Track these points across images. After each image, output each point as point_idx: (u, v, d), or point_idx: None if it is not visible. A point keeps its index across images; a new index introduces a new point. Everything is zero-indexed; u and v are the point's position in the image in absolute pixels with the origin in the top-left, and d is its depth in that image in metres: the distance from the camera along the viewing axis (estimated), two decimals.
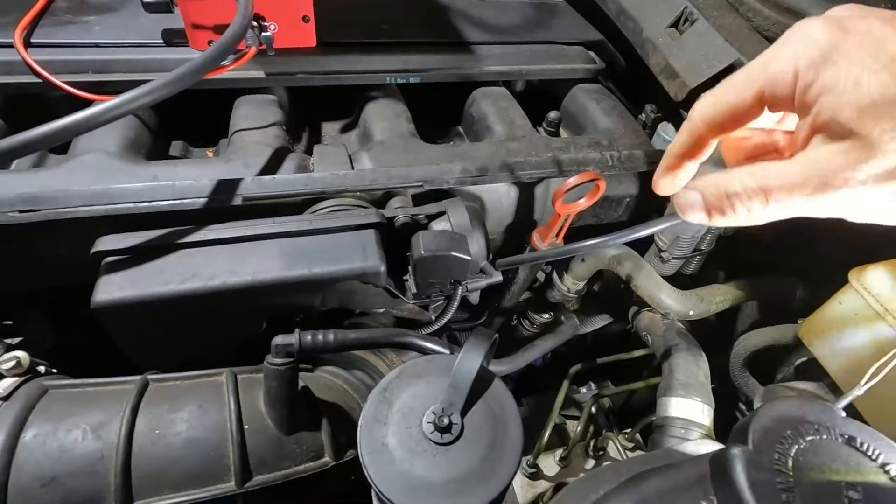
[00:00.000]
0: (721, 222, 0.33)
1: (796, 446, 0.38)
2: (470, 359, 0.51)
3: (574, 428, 0.92)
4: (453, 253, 0.65)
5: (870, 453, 0.38)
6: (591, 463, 0.90)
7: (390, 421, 0.50)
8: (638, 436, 0.93)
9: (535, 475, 0.88)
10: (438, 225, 0.73)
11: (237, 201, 0.68)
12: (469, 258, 0.66)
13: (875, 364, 0.55)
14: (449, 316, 0.76)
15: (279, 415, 0.54)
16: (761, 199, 0.31)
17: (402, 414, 0.51)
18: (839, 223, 0.33)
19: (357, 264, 0.64)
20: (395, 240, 0.71)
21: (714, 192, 0.33)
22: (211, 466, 0.49)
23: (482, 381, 0.53)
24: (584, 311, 1.12)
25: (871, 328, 0.59)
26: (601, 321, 1.10)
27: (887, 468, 0.37)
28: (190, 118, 0.90)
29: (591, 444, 0.90)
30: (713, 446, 0.53)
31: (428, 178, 0.75)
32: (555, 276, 0.96)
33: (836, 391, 0.70)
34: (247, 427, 0.52)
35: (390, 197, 0.76)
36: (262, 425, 0.53)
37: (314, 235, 0.67)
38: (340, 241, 0.67)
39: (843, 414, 0.40)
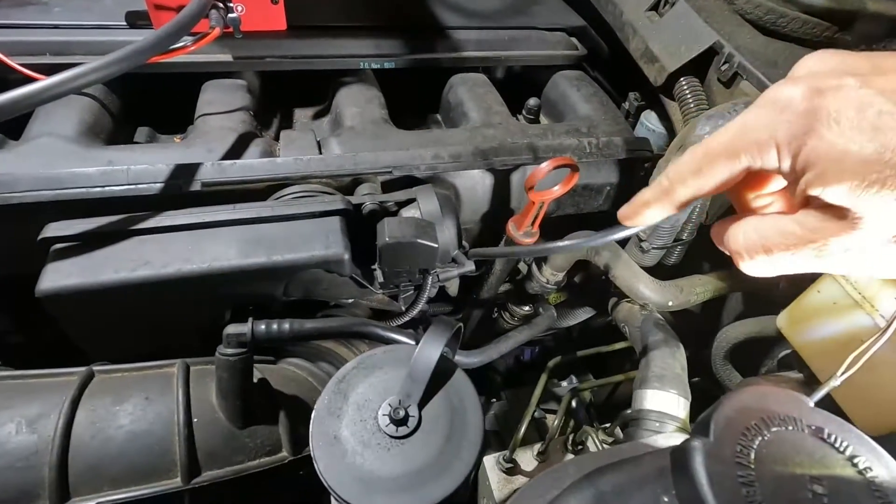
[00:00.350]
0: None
1: (760, 438, 0.35)
2: (429, 349, 0.49)
3: (553, 422, 0.90)
4: (419, 240, 0.62)
5: (837, 445, 0.36)
6: (569, 457, 0.88)
7: (344, 413, 0.48)
8: (618, 430, 0.91)
9: (512, 470, 0.85)
10: (408, 212, 0.70)
11: (196, 187, 0.65)
12: (436, 246, 0.64)
13: (852, 353, 0.53)
14: (420, 306, 0.73)
15: (231, 407, 0.51)
16: (764, 255, 0.31)
17: (358, 406, 0.49)
18: None
19: (319, 252, 0.62)
20: (362, 228, 0.68)
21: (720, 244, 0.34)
22: (155, 461, 0.47)
23: (442, 372, 0.51)
24: (567, 304, 1.10)
25: (849, 317, 0.57)
26: (584, 314, 1.07)
27: (855, 461, 0.35)
28: (157, 103, 0.87)
29: (571, 438, 0.88)
30: (681, 440, 0.51)
31: (397, 164, 0.72)
32: (533, 266, 0.94)
33: (816, 382, 0.68)
34: (196, 420, 0.50)
35: (358, 184, 0.73)
36: (213, 418, 0.51)
37: (276, 222, 0.64)
38: (303, 228, 0.64)
39: (811, 404, 0.38)
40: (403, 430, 0.46)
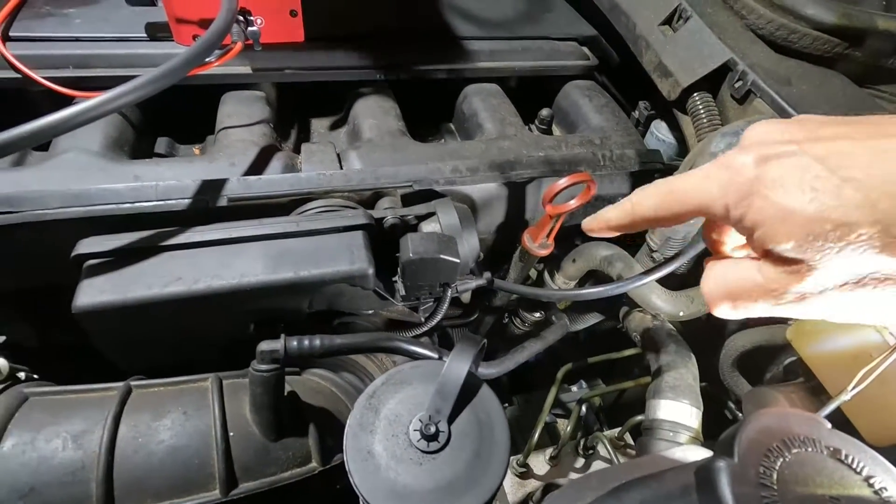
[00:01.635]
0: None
1: (781, 459, 0.37)
2: (457, 366, 0.51)
3: (564, 427, 0.92)
4: (442, 256, 0.64)
5: (854, 466, 0.38)
6: (581, 462, 0.90)
7: (377, 428, 0.50)
8: (627, 435, 0.94)
9: (525, 474, 0.88)
10: (428, 226, 0.72)
11: (222, 202, 0.67)
12: (458, 261, 0.65)
13: (862, 369, 0.56)
14: (439, 318, 0.75)
15: (265, 421, 0.53)
16: (729, 304, 0.34)
17: (389, 421, 0.51)
18: None
19: (344, 267, 0.64)
20: (383, 241, 0.70)
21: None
22: (195, 475, 0.49)
23: (469, 388, 0.53)
24: (575, 309, 1.12)
25: (859, 333, 0.59)
26: (593, 319, 1.09)
27: (871, 481, 0.37)
28: (175, 114, 0.88)
29: (581, 443, 0.90)
30: (700, 453, 0.53)
31: (417, 178, 0.74)
32: (546, 275, 0.95)
33: (823, 393, 0.70)
34: (231, 434, 0.51)
35: (379, 197, 0.75)
36: (248, 432, 0.53)
37: (301, 237, 0.66)
38: (328, 243, 0.66)
39: (829, 425, 0.40)
40: (434, 446, 0.48)
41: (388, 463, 0.47)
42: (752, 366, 0.95)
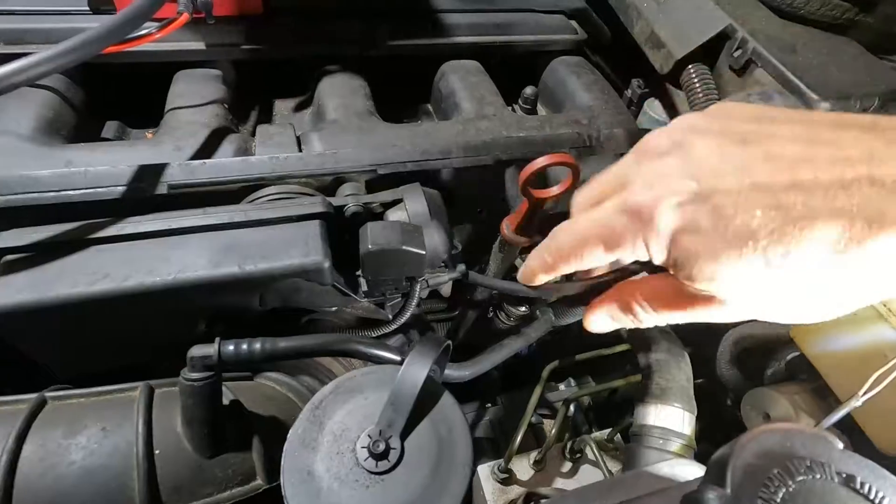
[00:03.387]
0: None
1: (784, 489, 0.31)
2: (414, 371, 0.44)
3: (551, 428, 0.86)
4: (405, 247, 0.57)
5: (871, 496, 0.32)
6: (567, 466, 0.84)
7: (320, 445, 0.44)
8: (618, 436, 0.88)
9: (508, 480, 0.82)
10: (394, 214, 0.65)
11: (162, 190, 0.60)
12: (424, 252, 0.59)
13: (875, 372, 0.49)
14: (408, 314, 0.69)
15: (198, 436, 0.47)
16: (649, 313, 0.36)
17: (334, 437, 0.44)
18: None
19: (297, 260, 0.57)
20: (345, 231, 0.63)
21: (619, 305, 0.38)
22: (113, 500, 0.43)
23: (428, 397, 0.46)
24: (565, 302, 1.05)
25: (872, 330, 0.52)
26: (583, 313, 1.03)
27: None
28: (127, 96, 0.81)
29: (569, 446, 0.84)
30: (690, 470, 0.47)
31: (383, 161, 0.67)
32: None
33: (831, 395, 0.64)
34: (158, 451, 0.45)
35: (341, 183, 0.68)
36: (178, 448, 0.47)
37: (250, 228, 0.59)
38: (279, 234, 0.59)
39: (841, 445, 0.33)
40: (384, 465, 0.42)
41: (331, 485, 0.41)
42: (752, 362, 0.88)
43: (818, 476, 0.32)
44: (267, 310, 0.75)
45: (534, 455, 0.84)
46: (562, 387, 1.02)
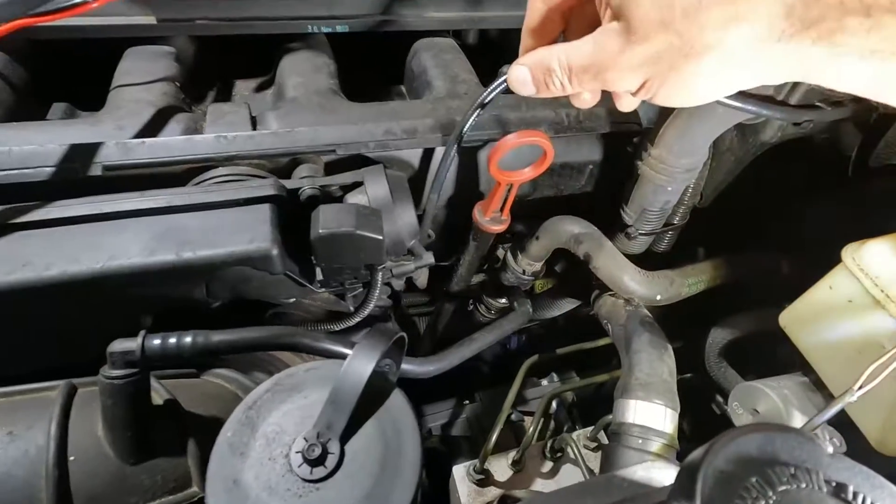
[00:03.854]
0: (546, 95, 0.39)
1: (763, 501, 0.27)
2: (358, 367, 0.40)
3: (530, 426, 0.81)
4: (360, 231, 0.53)
5: None
6: (548, 466, 0.80)
7: (250, 450, 0.39)
8: (602, 433, 0.83)
9: (484, 481, 0.77)
10: (354, 198, 0.61)
11: (96, 171, 0.55)
12: (381, 238, 0.54)
13: (872, 364, 0.44)
14: (371, 306, 0.64)
15: (120, 440, 0.42)
16: (569, 76, 0.36)
17: (267, 440, 0.40)
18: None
19: (241, 247, 0.52)
20: (300, 216, 0.59)
21: (539, 69, 0.38)
22: None
23: (375, 395, 0.42)
24: (551, 293, 1.01)
25: (868, 319, 0.48)
26: (569, 304, 0.98)
27: None
28: (75, 75, 0.76)
29: (549, 444, 0.80)
30: (667, 471, 0.43)
31: (342, 140, 0.62)
32: (508, 256, 0.84)
33: (823, 388, 0.59)
34: (73, 458, 0.41)
35: (297, 165, 0.63)
36: (98, 454, 0.42)
37: (192, 212, 0.54)
38: (224, 218, 0.54)
39: (830, 449, 0.29)
40: (320, 472, 0.37)
41: (259, 495, 0.37)
42: (741, 355, 0.84)
43: (804, 485, 0.27)
44: (218, 303, 0.71)
45: (512, 455, 0.79)
46: (544, 382, 0.98)
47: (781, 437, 0.29)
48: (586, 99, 0.43)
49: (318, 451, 0.37)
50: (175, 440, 0.46)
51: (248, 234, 0.53)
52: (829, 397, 0.58)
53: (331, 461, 0.38)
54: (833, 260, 0.54)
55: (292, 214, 0.58)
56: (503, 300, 0.92)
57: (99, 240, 0.51)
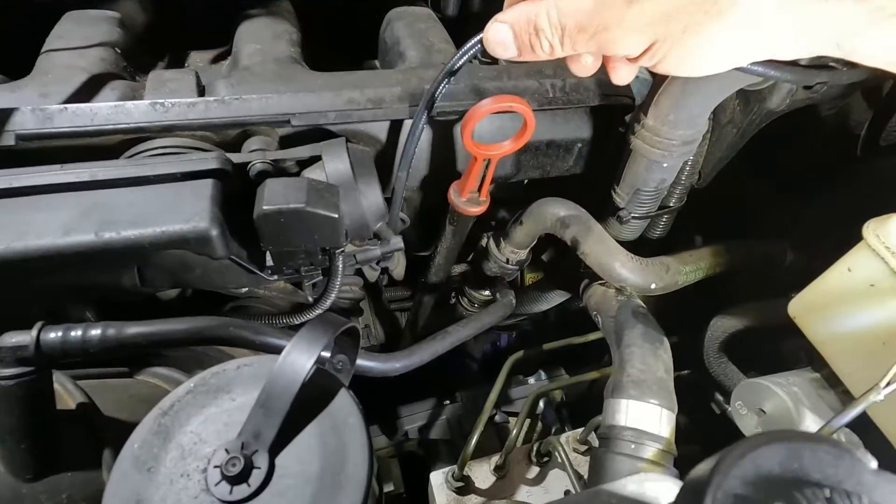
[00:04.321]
0: (531, 59, 0.35)
1: None
2: (293, 364, 0.33)
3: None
4: (310, 208, 0.46)
5: None
6: (534, 471, 0.73)
7: (159, 465, 0.32)
8: (593, 435, 0.77)
9: (464, 489, 0.71)
10: (311, 174, 0.54)
11: (8, 141, 0.48)
12: (336, 216, 0.47)
13: None
14: (333, 295, 0.57)
15: (12, 451, 0.36)
16: (560, 36, 0.32)
17: (182, 453, 0.33)
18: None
19: (175, 226, 0.45)
20: (250, 194, 0.52)
21: (523, 26, 0.33)
22: None
23: (316, 397, 0.35)
24: (540, 286, 0.95)
25: (894, 304, 0.41)
26: (559, 297, 0.92)
27: None
28: (12, 44, 0.68)
29: (536, 448, 0.73)
30: (663, 484, 0.36)
31: (297, 110, 0.55)
32: (491, 243, 0.78)
33: (837, 385, 0.53)
34: None
35: (248, 137, 0.56)
36: None
37: (121, 188, 0.47)
38: (159, 194, 0.47)
39: (874, 465, 0.22)
40: (241, 492, 0.31)
41: None
42: (744, 350, 0.78)
43: None
44: (175, 294, 0.64)
45: (495, 460, 0.73)
46: (531, 380, 0.91)
47: (811, 448, 0.22)
48: (587, 64, 0.37)
49: (240, 466, 0.31)
50: (87, 451, 0.39)
51: (184, 212, 0.46)
52: (844, 395, 0.51)
53: (256, 477, 0.31)
54: (843, 245, 0.48)
55: (241, 192, 0.51)
56: (486, 292, 0.85)
57: (7, 218, 0.44)
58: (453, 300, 0.94)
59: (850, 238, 0.48)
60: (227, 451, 0.32)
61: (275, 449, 0.32)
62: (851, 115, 0.76)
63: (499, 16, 0.35)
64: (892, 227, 0.41)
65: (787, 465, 0.22)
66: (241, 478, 0.31)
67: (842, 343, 0.47)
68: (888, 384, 0.38)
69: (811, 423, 0.50)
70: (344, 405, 0.35)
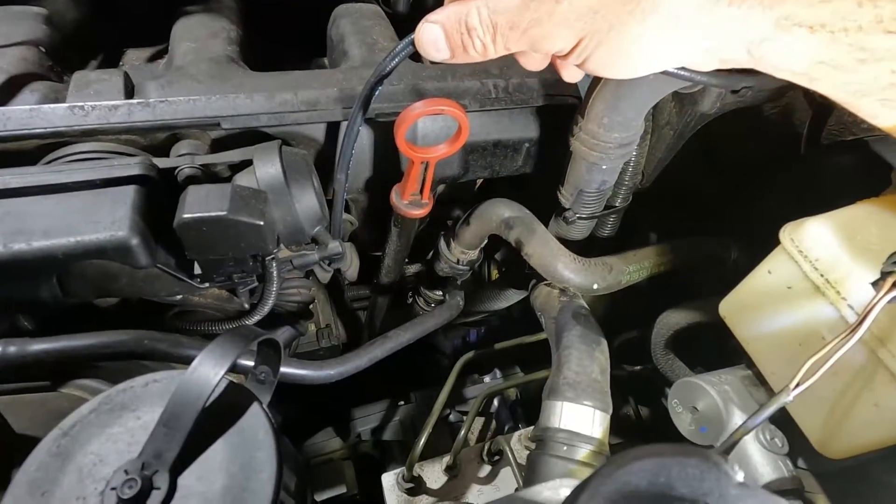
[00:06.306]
0: (464, 60, 0.34)
1: None
2: (199, 378, 0.32)
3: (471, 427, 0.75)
4: (233, 216, 0.45)
5: None
6: (486, 470, 0.74)
7: (55, 488, 0.31)
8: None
9: (416, 489, 0.71)
10: (242, 179, 0.52)
11: None
12: (260, 224, 0.46)
13: (810, 358, 0.39)
14: (270, 301, 0.56)
15: None
16: (492, 34, 0.31)
17: (81, 475, 0.32)
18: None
19: (91, 236, 0.44)
20: (176, 201, 0.50)
21: (455, 26, 0.32)
22: None
23: (224, 413, 0.35)
24: (496, 284, 0.95)
25: (808, 307, 0.42)
26: (516, 295, 0.92)
27: None
28: None
29: (487, 447, 0.74)
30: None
31: (228, 112, 0.54)
32: (441, 243, 0.77)
33: (766, 382, 0.55)
34: None
35: (177, 141, 0.54)
36: None
37: (35, 196, 0.46)
38: (75, 203, 0.46)
39: (740, 477, 0.23)
40: None
41: None
42: (692, 347, 0.79)
43: None
44: (113, 303, 0.62)
45: (446, 459, 0.73)
46: (487, 379, 0.92)
47: (679, 463, 0.23)
48: (535, 58, 0.37)
49: (136, 487, 0.30)
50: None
51: (102, 220, 0.45)
52: (773, 392, 0.53)
53: (154, 499, 0.30)
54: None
55: (168, 199, 0.50)
56: (440, 292, 0.85)
57: None
58: (410, 300, 0.94)
59: None
60: (126, 472, 0.31)
61: (177, 468, 0.32)
62: (794, 113, 0.77)
63: (430, 16, 0.34)
64: (806, 232, 0.42)
65: (653, 481, 0.22)
66: (137, 500, 0.30)
67: (765, 343, 0.48)
68: (797, 385, 0.39)
69: (739, 420, 0.51)
70: (254, 420, 0.35)
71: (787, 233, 0.43)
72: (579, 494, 0.21)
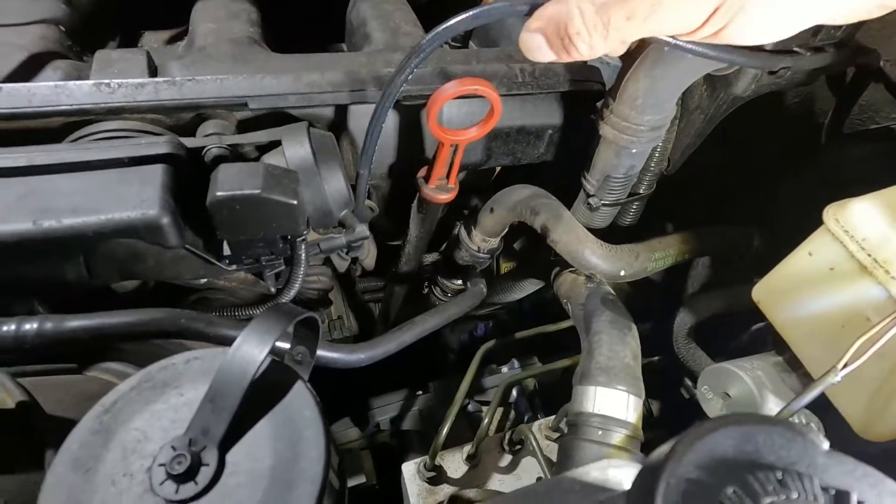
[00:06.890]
0: (568, 59, 0.32)
1: None
2: (244, 356, 0.31)
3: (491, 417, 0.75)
4: (266, 195, 0.44)
5: None
6: (507, 459, 0.73)
7: (101, 464, 0.31)
8: (565, 422, 0.77)
9: (436, 479, 0.70)
10: (270, 159, 0.52)
11: None
12: (294, 203, 0.45)
13: (857, 339, 0.39)
14: (297, 286, 0.56)
15: None
16: (602, 33, 0.30)
17: (125, 452, 0.31)
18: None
19: (122, 214, 0.43)
20: (206, 181, 0.49)
21: (555, 32, 0.31)
22: None
23: (270, 390, 0.34)
24: (512, 275, 0.94)
25: (853, 288, 0.42)
26: (532, 286, 0.92)
27: None
28: None
29: (508, 437, 0.73)
30: (627, 471, 0.36)
31: (255, 92, 0.53)
32: (462, 231, 0.77)
33: (798, 368, 0.54)
34: None
35: (203, 121, 0.53)
36: None
37: (62, 173, 0.44)
38: (104, 180, 0.45)
39: (826, 445, 0.22)
40: (188, 490, 0.29)
41: None
42: (712, 336, 0.79)
43: (795, 495, 0.21)
44: (132, 287, 0.61)
45: (467, 449, 0.72)
46: (504, 369, 0.91)
47: (765, 431, 0.22)
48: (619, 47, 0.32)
49: (186, 463, 0.29)
50: (25, 453, 0.37)
51: (132, 199, 0.44)
52: (805, 378, 0.52)
53: (204, 475, 0.29)
54: (806, 230, 0.48)
55: (195, 179, 0.49)
56: (458, 281, 0.84)
57: None
58: (426, 290, 0.93)
59: (813, 223, 0.48)
60: (173, 447, 0.30)
61: (225, 445, 0.31)
62: (816, 103, 0.77)
63: (529, 22, 0.32)
64: (852, 212, 0.41)
65: (741, 448, 0.22)
66: (187, 476, 0.29)
67: (803, 326, 0.47)
68: (845, 366, 0.38)
69: (773, 406, 0.50)
70: (299, 398, 0.34)
71: (830, 213, 0.42)
72: (667, 460, 0.21)
